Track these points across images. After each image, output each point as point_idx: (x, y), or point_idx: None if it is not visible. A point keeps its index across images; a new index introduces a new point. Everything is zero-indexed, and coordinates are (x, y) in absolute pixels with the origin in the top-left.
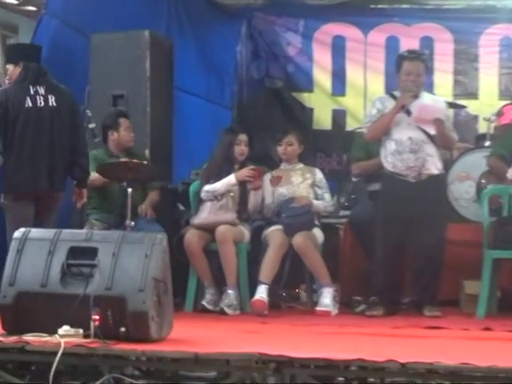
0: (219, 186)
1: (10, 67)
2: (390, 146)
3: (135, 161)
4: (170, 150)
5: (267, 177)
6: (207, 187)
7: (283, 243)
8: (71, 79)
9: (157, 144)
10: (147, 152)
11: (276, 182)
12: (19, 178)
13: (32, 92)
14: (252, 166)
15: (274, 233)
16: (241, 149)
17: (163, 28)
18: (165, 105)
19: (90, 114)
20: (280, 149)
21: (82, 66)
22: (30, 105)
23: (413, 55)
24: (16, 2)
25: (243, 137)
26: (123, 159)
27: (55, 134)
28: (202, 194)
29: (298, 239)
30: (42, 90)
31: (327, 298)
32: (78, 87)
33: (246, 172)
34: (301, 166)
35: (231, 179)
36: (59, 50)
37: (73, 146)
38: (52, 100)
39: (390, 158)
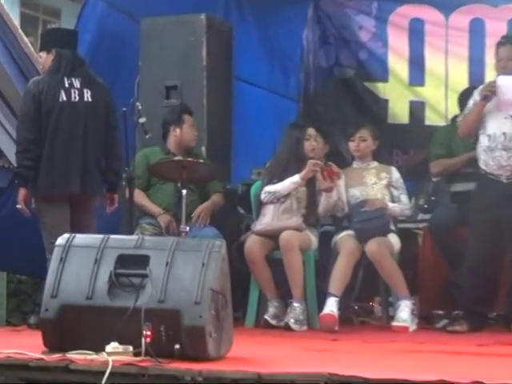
0: (281, 186)
1: (42, 55)
2: (484, 141)
3: (190, 159)
4: (229, 147)
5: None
6: (268, 188)
7: (355, 250)
8: (120, 68)
9: (214, 140)
10: (203, 149)
11: (331, 176)
12: (50, 179)
13: (67, 84)
14: (318, 162)
15: (344, 239)
16: (311, 144)
17: (221, 11)
18: (223, 96)
19: (140, 107)
20: (352, 145)
21: (133, 53)
22: (64, 99)
23: (504, 40)
24: None
25: (312, 131)
26: (177, 158)
27: (89, 133)
28: (262, 196)
29: (372, 246)
30: (77, 83)
31: (404, 312)
32: (127, 77)
33: (310, 167)
34: (375, 164)
35: (295, 179)
36: (107, 36)
37: (107, 147)
38: (88, 95)
39: (483, 155)
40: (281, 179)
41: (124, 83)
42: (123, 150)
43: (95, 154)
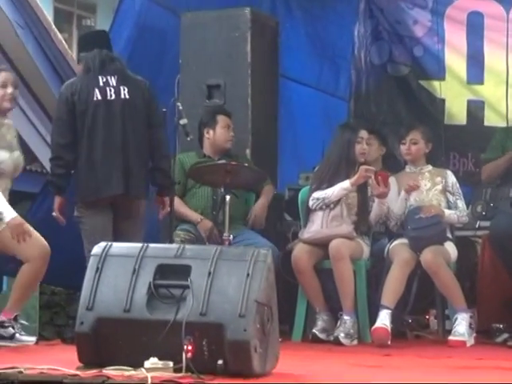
0: (331, 192)
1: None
2: None
3: (234, 163)
4: (275, 150)
5: (393, 182)
6: (317, 194)
7: (409, 260)
8: (161, 66)
9: (259, 143)
10: (248, 152)
11: (411, 189)
12: (90, 183)
13: (101, 83)
14: (371, 168)
15: (398, 248)
16: (362, 148)
17: (267, 6)
18: (268, 96)
19: (181, 108)
20: (403, 148)
21: (174, 50)
22: (99, 98)
23: None
24: None
25: (364, 133)
26: (221, 161)
27: (128, 131)
28: (310, 203)
29: (428, 255)
30: (112, 81)
31: (462, 326)
32: (169, 75)
33: (362, 172)
34: (429, 168)
35: (345, 184)
36: (147, 32)
37: (151, 147)
38: (124, 92)
39: None
40: (330, 184)
41: (166, 82)
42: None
43: (137, 153)
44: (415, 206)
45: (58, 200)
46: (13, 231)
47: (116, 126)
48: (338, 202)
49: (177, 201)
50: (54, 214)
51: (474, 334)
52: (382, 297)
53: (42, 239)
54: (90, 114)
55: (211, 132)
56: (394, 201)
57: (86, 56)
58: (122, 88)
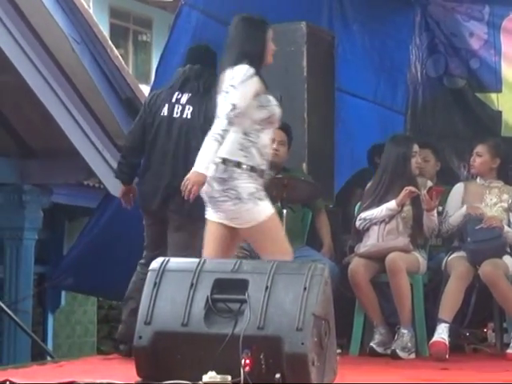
0: (377, 212)
1: None
2: None
3: (291, 177)
4: (332, 164)
5: (458, 189)
6: (364, 214)
7: (467, 273)
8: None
9: (316, 156)
10: (304, 166)
11: (432, 195)
12: (141, 192)
13: (174, 99)
14: (414, 190)
15: (456, 261)
16: (417, 161)
17: (324, 20)
18: (325, 110)
19: None
20: (471, 160)
21: None
22: (165, 113)
23: None
24: None
25: (416, 147)
26: (277, 175)
27: (180, 149)
28: (358, 223)
29: (487, 267)
30: (184, 99)
31: None
32: None
33: (407, 194)
34: (500, 184)
35: (391, 205)
36: None
37: None
38: (188, 111)
39: None
40: (384, 200)
41: None
42: None
43: (186, 171)
44: (474, 218)
45: (121, 188)
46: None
47: (171, 143)
48: (393, 216)
49: None
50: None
51: None
52: (440, 310)
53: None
54: (154, 127)
55: None
56: (453, 208)
57: (178, 71)
58: (187, 107)
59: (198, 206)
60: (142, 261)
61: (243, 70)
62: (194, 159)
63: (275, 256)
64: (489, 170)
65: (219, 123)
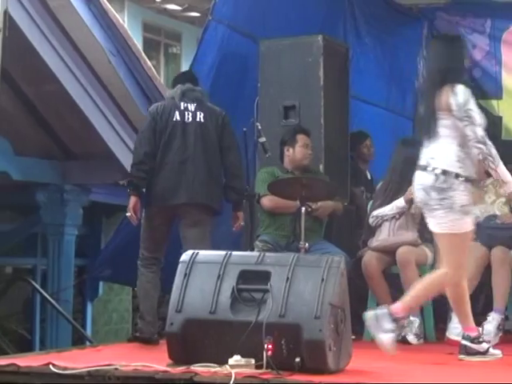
0: (388, 209)
1: None
2: None
3: (309, 176)
4: (346, 166)
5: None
6: (375, 212)
7: (483, 256)
8: (242, 89)
9: (332, 158)
10: (321, 167)
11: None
12: (158, 192)
13: (182, 107)
14: None
15: (471, 246)
16: None
17: (339, 32)
18: (340, 116)
19: (259, 127)
20: None
21: (255, 75)
22: (178, 119)
23: None
24: (179, 9)
25: None
26: (296, 175)
27: (198, 148)
28: (370, 220)
29: (497, 252)
30: (191, 107)
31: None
32: (249, 98)
33: (409, 193)
34: (490, 180)
35: (400, 203)
36: (229, 59)
37: (224, 167)
38: (200, 116)
39: None
40: (393, 198)
41: (246, 104)
42: (244, 168)
43: (204, 168)
44: (485, 216)
45: (133, 199)
46: None
47: (188, 143)
48: (403, 212)
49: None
50: (127, 214)
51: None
52: None
53: None
54: (168, 131)
55: (291, 150)
56: None
57: (176, 86)
58: (198, 113)
59: (220, 201)
60: (142, 263)
61: (465, 91)
62: (212, 157)
63: (448, 267)
64: (482, 173)
65: (486, 147)
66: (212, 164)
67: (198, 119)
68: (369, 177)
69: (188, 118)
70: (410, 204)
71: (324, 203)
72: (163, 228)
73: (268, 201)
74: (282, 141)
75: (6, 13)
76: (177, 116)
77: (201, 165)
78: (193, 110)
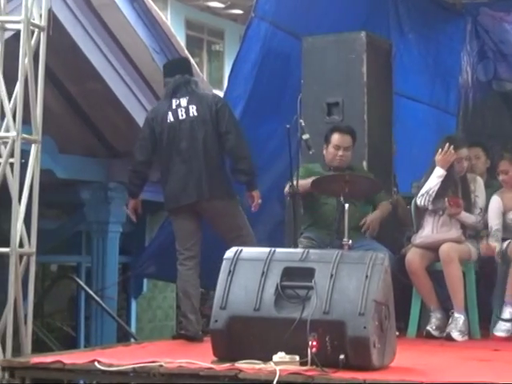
0: (430, 183)
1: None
2: None
3: (352, 173)
4: (390, 162)
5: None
6: (422, 191)
7: None
8: (287, 86)
9: (375, 155)
10: (365, 164)
11: (453, 206)
12: (170, 194)
13: (174, 106)
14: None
15: None
16: (462, 166)
17: (382, 28)
18: (383, 112)
19: (303, 124)
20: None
21: (298, 71)
22: (172, 119)
23: None
24: (222, 6)
25: (464, 152)
26: (339, 172)
27: (197, 142)
28: (418, 201)
29: None
30: (184, 102)
31: None
32: (293, 95)
33: (441, 157)
34: None
35: (438, 172)
36: (272, 55)
37: (227, 152)
38: (193, 110)
39: None
40: (436, 196)
41: (290, 101)
42: (286, 165)
43: (207, 160)
44: None
45: (132, 202)
46: None
47: (186, 140)
48: (446, 209)
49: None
50: (127, 211)
51: None
52: (506, 293)
53: None
54: (165, 134)
55: (325, 148)
56: (495, 220)
57: (168, 81)
58: (190, 107)
59: (228, 185)
60: (179, 261)
61: None
62: (211, 147)
63: None
64: None
65: None
66: (212, 154)
67: (191, 114)
68: None
69: (182, 115)
70: (449, 168)
71: (372, 216)
72: (189, 225)
73: (302, 187)
74: (324, 138)
75: (50, 12)
76: (170, 117)
77: (201, 159)
78: (185, 105)
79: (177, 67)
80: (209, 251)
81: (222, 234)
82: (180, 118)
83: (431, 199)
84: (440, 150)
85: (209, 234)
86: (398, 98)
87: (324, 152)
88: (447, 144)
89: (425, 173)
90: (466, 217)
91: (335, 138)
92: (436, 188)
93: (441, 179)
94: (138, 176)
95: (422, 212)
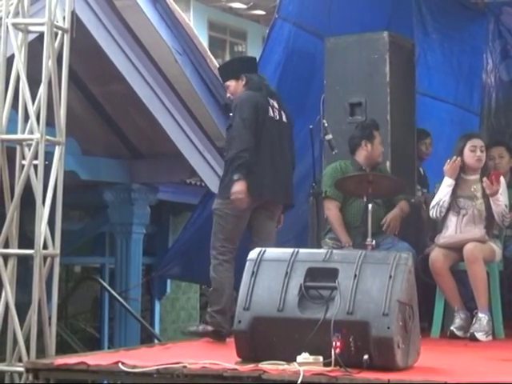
0: (440, 194)
1: (231, 83)
2: None
3: (376, 173)
4: (413, 162)
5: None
6: (432, 202)
7: None
8: (309, 87)
9: (398, 155)
10: (388, 164)
11: (492, 180)
12: (253, 188)
13: (271, 103)
14: (455, 160)
15: None
16: (475, 155)
17: (406, 28)
18: (406, 112)
19: (326, 125)
20: None
21: (322, 72)
22: (271, 115)
23: None
24: (244, 7)
25: (478, 142)
26: (360, 172)
27: (285, 148)
28: (431, 212)
29: None
30: (276, 104)
31: None
32: (316, 96)
33: (447, 166)
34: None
35: (447, 181)
36: (295, 56)
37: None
38: (284, 116)
39: None
40: (453, 192)
41: (314, 101)
42: (309, 166)
43: (288, 168)
44: None
45: (244, 183)
46: None
47: (276, 143)
48: (469, 208)
49: (335, 214)
50: (233, 196)
51: None
52: None
53: None
54: (265, 127)
55: (369, 145)
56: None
57: (251, 76)
58: (282, 112)
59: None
60: (222, 257)
61: None
62: (291, 157)
63: None
64: None
65: None
66: (290, 165)
67: (283, 119)
68: (421, 172)
69: (276, 116)
70: (456, 176)
71: (392, 214)
72: (244, 222)
73: (327, 209)
74: (358, 136)
75: (73, 14)
76: (271, 111)
77: (287, 165)
78: (277, 107)
79: (251, 65)
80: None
81: (261, 233)
82: (276, 118)
83: (443, 210)
84: (448, 160)
85: None
86: (422, 98)
87: (364, 148)
88: (454, 157)
89: (438, 181)
90: (500, 199)
91: (377, 134)
92: (447, 198)
93: (450, 188)
94: (251, 154)
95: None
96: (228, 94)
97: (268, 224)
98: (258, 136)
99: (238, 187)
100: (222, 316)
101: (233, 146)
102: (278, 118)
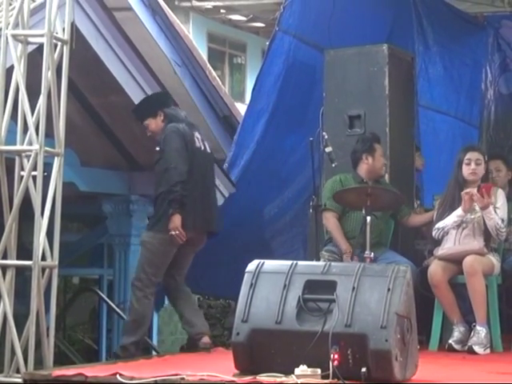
0: (448, 221)
1: (150, 121)
2: None
3: (373, 186)
4: (411, 175)
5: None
6: (438, 225)
7: None
8: (310, 99)
9: (397, 168)
10: (387, 176)
11: (482, 193)
12: (187, 219)
13: (195, 134)
14: (469, 190)
15: None
16: (470, 168)
17: (407, 42)
18: (405, 125)
19: (326, 137)
20: None
21: (321, 85)
22: (197, 145)
23: None
24: (244, 19)
25: (473, 155)
26: (357, 185)
27: (211, 179)
28: (434, 233)
29: None
30: (198, 135)
31: None
32: (316, 108)
33: (464, 197)
34: None
35: (458, 212)
36: (295, 69)
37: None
38: (207, 147)
39: None
40: (451, 207)
41: (315, 113)
42: (309, 178)
43: (214, 199)
44: None
45: (179, 217)
46: None
47: (205, 172)
48: (469, 221)
49: (333, 223)
50: (173, 232)
51: None
52: None
53: None
54: (195, 156)
55: (370, 159)
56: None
57: (168, 110)
58: (205, 143)
59: None
60: (148, 290)
61: None
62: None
63: None
64: None
65: None
66: (215, 195)
67: (208, 150)
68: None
69: (200, 146)
70: (473, 211)
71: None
72: (173, 255)
73: (325, 219)
74: (359, 149)
75: (72, 25)
76: (196, 141)
77: (213, 194)
78: (200, 137)
79: (165, 100)
80: (236, 262)
81: (181, 266)
82: (202, 148)
83: (446, 234)
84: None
85: (233, 242)
86: (423, 111)
87: (365, 162)
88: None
89: (443, 192)
90: (492, 213)
91: (378, 146)
92: (451, 226)
93: (460, 219)
94: (185, 187)
95: None
96: (149, 133)
97: (190, 258)
98: (189, 167)
99: (177, 222)
100: (135, 348)
101: (165, 179)
102: (203, 148)
